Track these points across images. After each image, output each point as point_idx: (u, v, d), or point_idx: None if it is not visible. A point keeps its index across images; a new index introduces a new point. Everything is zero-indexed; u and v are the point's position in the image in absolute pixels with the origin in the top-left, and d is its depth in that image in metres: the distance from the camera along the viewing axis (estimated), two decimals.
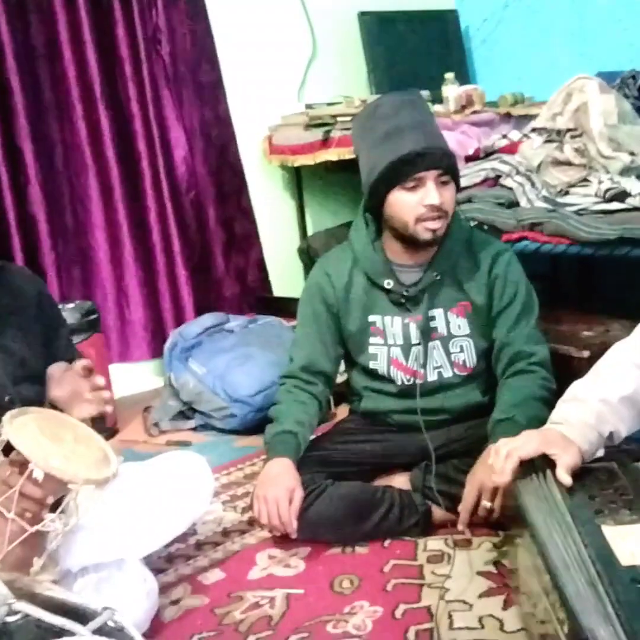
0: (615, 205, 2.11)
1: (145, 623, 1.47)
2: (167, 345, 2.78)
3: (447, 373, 1.86)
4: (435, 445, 1.84)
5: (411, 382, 1.86)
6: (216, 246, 3.16)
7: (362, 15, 3.29)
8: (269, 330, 2.84)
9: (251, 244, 3.24)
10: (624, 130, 2.22)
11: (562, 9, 3.20)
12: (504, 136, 2.55)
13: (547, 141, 2.36)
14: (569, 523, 1.19)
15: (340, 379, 2.04)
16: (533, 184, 2.31)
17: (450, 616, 1.47)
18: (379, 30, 3.29)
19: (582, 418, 1.38)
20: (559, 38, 3.22)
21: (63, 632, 0.78)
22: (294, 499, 1.70)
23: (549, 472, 1.34)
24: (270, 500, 1.70)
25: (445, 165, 1.72)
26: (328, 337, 1.91)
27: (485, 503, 1.57)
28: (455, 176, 1.76)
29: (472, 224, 2.25)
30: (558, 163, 2.28)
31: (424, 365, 1.85)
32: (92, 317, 2.62)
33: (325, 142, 2.92)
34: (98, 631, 0.79)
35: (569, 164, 2.26)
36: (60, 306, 1.90)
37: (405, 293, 1.82)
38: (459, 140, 2.67)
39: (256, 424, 2.42)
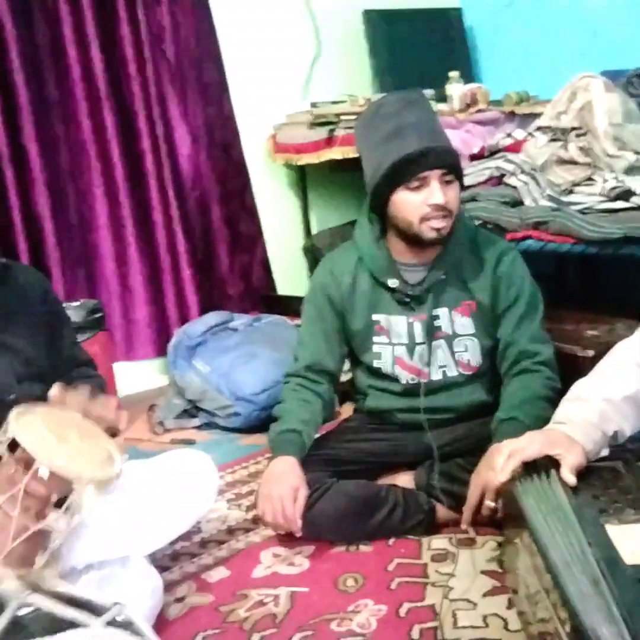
0: (620, 204, 2.11)
1: (149, 620, 1.48)
2: (172, 343, 2.79)
3: (452, 372, 1.86)
4: (439, 444, 1.84)
5: (415, 381, 1.86)
6: (221, 245, 3.16)
7: (367, 13, 3.29)
8: (274, 328, 2.84)
9: (255, 243, 3.24)
10: (629, 129, 2.21)
11: (567, 7, 3.20)
12: (509, 135, 2.55)
13: (552, 140, 2.36)
14: (573, 522, 1.19)
15: (344, 377, 2.04)
16: (537, 183, 2.31)
17: (454, 615, 1.47)
18: (383, 28, 3.29)
19: (585, 417, 1.38)
20: (563, 36, 3.21)
21: (75, 624, 0.79)
22: (298, 498, 1.70)
23: (553, 471, 1.34)
24: (274, 499, 1.70)
25: (449, 164, 1.72)
26: (332, 336, 1.91)
27: (489, 502, 1.57)
28: (459, 175, 1.76)
29: (477, 222, 2.25)
30: (563, 162, 2.28)
31: (429, 364, 1.85)
32: (97, 315, 2.64)
33: (330, 141, 2.92)
34: (110, 624, 0.80)
35: (573, 162, 2.25)
36: (65, 305, 1.90)
37: (409, 292, 1.83)
38: (464, 139, 2.67)
39: (260, 423, 2.43)
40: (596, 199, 2.16)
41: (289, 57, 3.26)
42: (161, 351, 2.96)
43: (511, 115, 2.90)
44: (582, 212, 2.16)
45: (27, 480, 1.18)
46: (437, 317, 1.83)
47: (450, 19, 3.50)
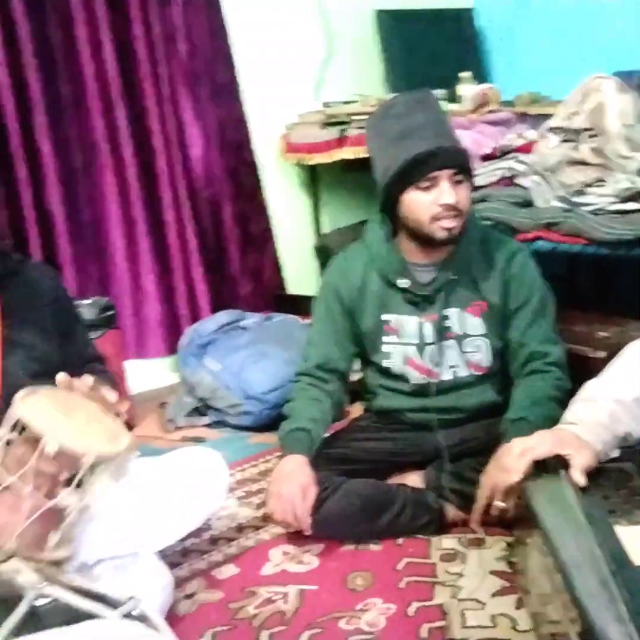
0: (631, 205, 2.10)
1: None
2: (183, 341, 2.80)
3: (463, 372, 1.86)
4: (449, 444, 1.84)
5: (426, 381, 1.87)
6: (232, 244, 3.17)
7: (379, 13, 3.29)
8: (284, 327, 2.85)
9: (267, 242, 3.25)
10: None
11: (579, 7, 3.18)
12: (520, 135, 2.54)
13: (564, 141, 2.35)
14: (582, 523, 1.19)
15: (354, 377, 2.04)
16: (549, 184, 2.31)
17: (462, 614, 1.48)
18: (395, 28, 3.29)
19: (595, 418, 1.38)
20: (576, 37, 3.20)
21: (91, 616, 0.79)
22: (307, 496, 1.71)
23: (562, 472, 1.34)
24: (284, 497, 1.71)
25: (459, 164, 1.72)
26: (343, 336, 1.91)
27: (498, 503, 1.57)
28: (469, 175, 1.76)
29: (488, 223, 2.25)
30: (574, 163, 2.27)
31: (439, 364, 1.85)
32: (109, 313, 2.65)
33: (342, 141, 2.93)
34: (126, 617, 0.81)
35: (585, 163, 2.25)
36: (77, 302, 1.92)
37: (420, 292, 1.83)
38: (475, 139, 2.66)
39: (270, 421, 2.43)
40: (608, 200, 2.16)
41: (301, 57, 3.26)
42: (172, 349, 2.97)
43: (523, 115, 2.89)
44: (593, 213, 2.16)
45: (35, 458, 1.17)
46: (447, 317, 1.83)
47: (463, 20, 3.49)
